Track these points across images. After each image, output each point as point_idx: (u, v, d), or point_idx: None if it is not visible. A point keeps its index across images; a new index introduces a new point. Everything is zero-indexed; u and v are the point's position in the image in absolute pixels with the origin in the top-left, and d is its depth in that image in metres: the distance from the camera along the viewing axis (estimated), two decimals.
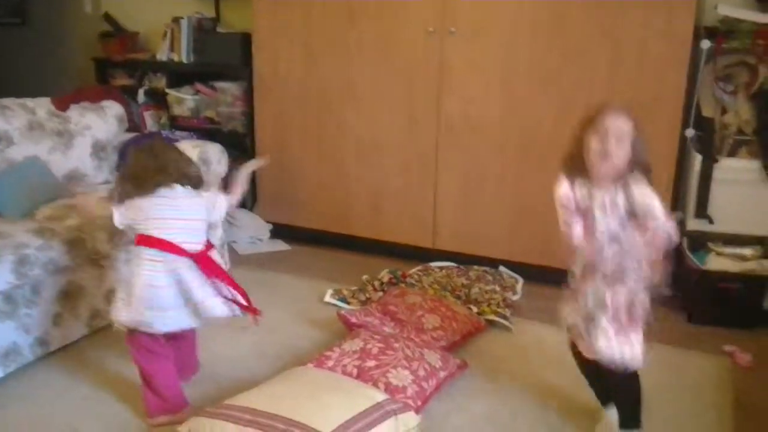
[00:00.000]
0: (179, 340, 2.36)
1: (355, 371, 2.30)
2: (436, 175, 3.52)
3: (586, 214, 2.01)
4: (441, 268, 3.50)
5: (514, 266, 3.45)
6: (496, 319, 2.95)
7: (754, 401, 2.48)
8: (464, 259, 3.53)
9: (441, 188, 3.53)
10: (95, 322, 2.79)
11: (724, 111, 3.09)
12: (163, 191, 2.21)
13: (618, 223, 1.96)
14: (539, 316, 3.05)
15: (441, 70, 3.38)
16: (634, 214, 1.94)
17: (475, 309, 3.01)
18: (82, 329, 2.74)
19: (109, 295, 2.79)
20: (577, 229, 2.05)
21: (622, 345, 1.98)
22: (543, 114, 3.22)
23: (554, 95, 3.18)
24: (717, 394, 2.50)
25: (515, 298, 3.21)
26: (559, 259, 3.20)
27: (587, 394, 2.38)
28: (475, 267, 3.46)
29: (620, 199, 1.94)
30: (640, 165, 1.92)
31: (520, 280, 3.38)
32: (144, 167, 2.22)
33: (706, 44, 2.97)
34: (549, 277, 3.28)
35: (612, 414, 2.15)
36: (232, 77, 4.08)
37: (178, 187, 2.23)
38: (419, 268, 3.49)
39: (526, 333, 2.92)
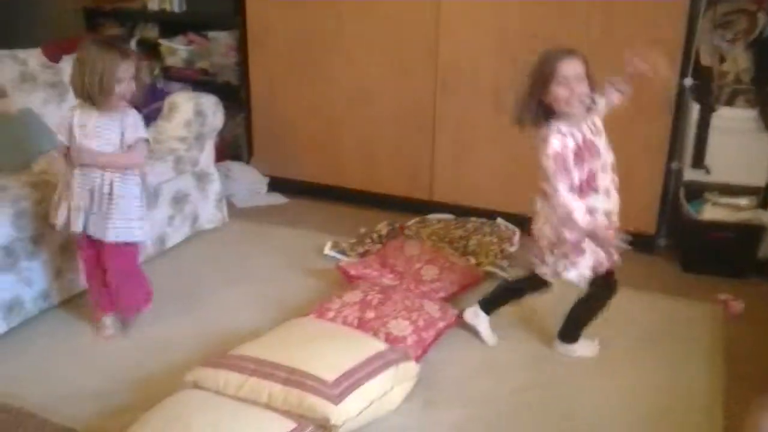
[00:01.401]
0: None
1: (356, 322, 2.34)
2: (433, 124, 3.50)
3: (584, 148, 2.14)
4: (438, 220, 3.51)
5: (512, 218, 3.46)
6: (494, 270, 2.98)
7: (744, 347, 2.53)
8: (462, 211, 3.54)
9: (437, 138, 3.51)
10: None
11: (722, 60, 3.07)
12: None
13: (604, 140, 2.19)
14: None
15: (436, 22, 3.33)
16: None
17: (473, 260, 3.03)
18: (84, 282, 2.75)
19: None
20: (565, 191, 2.13)
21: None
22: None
23: (548, 42, 3.12)
24: (709, 340, 2.55)
25: (512, 249, 3.23)
26: None
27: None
28: (473, 219, 3.47)
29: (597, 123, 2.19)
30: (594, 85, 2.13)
31: (518, 231, 3.39)
32: None
33: None
34: None
35: None
36: (224, 27, 4.01)
37: None
38: (417, 220, 3.50)
39: None
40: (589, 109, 2.14)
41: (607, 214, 2.20)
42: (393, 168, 3.66)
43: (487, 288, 2.88)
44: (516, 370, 2.37)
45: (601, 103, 2.20)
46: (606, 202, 2.19)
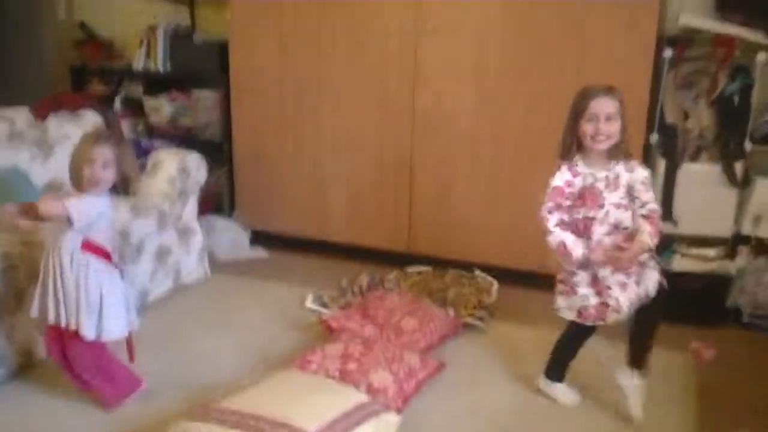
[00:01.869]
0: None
1: (337, 373, 2.38)
2: (411, 173, 3.59)
3: (588, 194, 2.25)
4: (418, 272, 3.58)
5: (489, 269, 3.55)
6: (472, 321, 3.05)
7: (717, 393, 2.61)
8: (440, 262, 3.62)
9: (415, 187, 3.60)
10: None
11: (686, 117, 3.22)
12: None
13: (620, 197, 2.26)
14: (514, 317, 3.16)
15: (415, 65, 3.45)
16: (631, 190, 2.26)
17: (452, 311, 3.10)
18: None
19: None
20: (554, 223, 2.28)
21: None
22: (515, 108, 3.32)
23: (523, 91, 3.29)
24: (682, 387, 2.63)
25: (490, 300, 3.30)
26: (532, 261, 3.35)
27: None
28: (451, 270, 3.55)
29: (622, 175, 2.26)
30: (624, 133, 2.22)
31: (495, 283, 3.47)
32: None
33: (668, 53, 3.09)
34: (524, 279, 3.40)
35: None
36: (209, 85, 4.12)
37: None
38: (396, 272, 3.57)
39: (502, 333, 3.02)
40: (615, 154, 2.23)
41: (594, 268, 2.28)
42: (373, 220, 3.74)
43: (467, 339, 2.96)
44: (501, 415, 2.42)
45: (639, 168, 2.28)
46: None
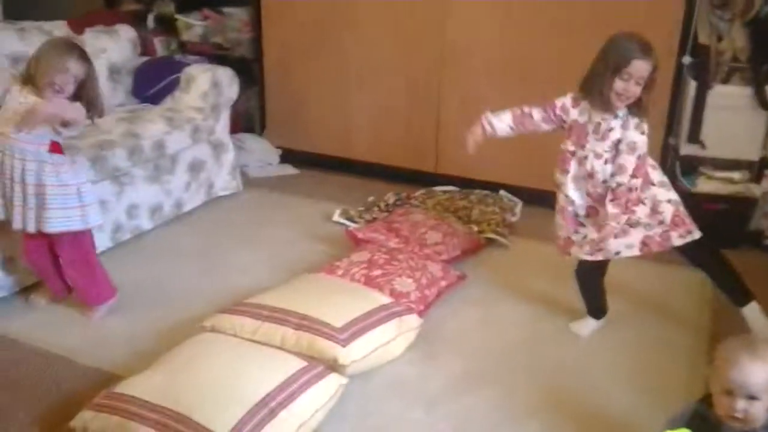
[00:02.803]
0: None
1: (362, 279, 2.49)
2: (438, 98, 3.62)
3: (576, 128, 2.25)
4: (444, 191, 3.65)
5: (514, 190, 3.60)
6: (495, 237, 3.13)
7: (731, 313, 2.66)
8: (466, 183, 3.68)
9: (443, 111, 3.64)
10: (118, 235, 2.97)
11: (719, 39, 3.17)
12: None
13: (604, 149, 2.20)
14: (536, 234, 3.21)
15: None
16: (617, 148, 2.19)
17: (475, 228, 3.17)
18: (107, 242, 2.91)
19: (130, 210, 2.97)
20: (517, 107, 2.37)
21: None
22: (541, 38, 3.32)
23: (551, 16, 3.27)
24: (698, 304, 2.69)
25: (514, 219, 3.37)
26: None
27: (573, 303, 2.58)
28: (477, 191, 3.60)
29: (615, 129, 2.18)
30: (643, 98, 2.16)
31: (519, 203, 3.53)
32: None
33: None
34: (547, 200, 3.44)
35: None
36: (239, 3, 4.13)
37: None
38: (423, 191, 3.64)
39: (523, 250, 3.10)
40: (631, 108, 2.17)
41: (579, 206, 2.29)
42: (400, 141, 3.79)
43: (489, 255, 3.04)
44: (513, 327, 2.52)
45: (633, 131, 2.19)
46: (576, 195, 2.29)
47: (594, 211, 2.27)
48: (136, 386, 1.84)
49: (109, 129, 2.97)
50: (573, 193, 2.28)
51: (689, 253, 2.37)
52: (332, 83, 3.86)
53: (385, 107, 3.77)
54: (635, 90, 2.11)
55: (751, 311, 2.39)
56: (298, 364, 1.94)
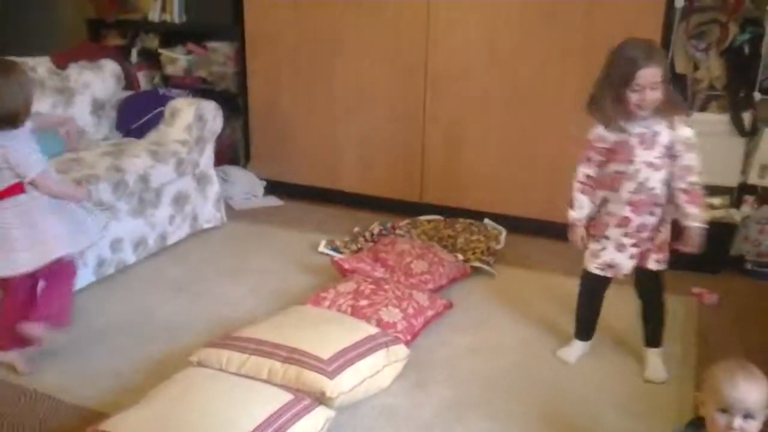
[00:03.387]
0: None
1: (349, 309, 2.48)
2: (423, 127, 3.66)
3: (620, 148, 2.20)
4: (429, 220, 3.66)
5: (498, 218, 3.62)
6: (480, 265, 3.14)
7: (717, 337, 2.69)
8: (451, 212, 3.70)
9: (428, 141, 3.67)
10: (102, 269, 2.95)
11: (696, 67, 3.24)
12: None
13: (655, 156, 2.18)
14: (521, 262, 3.25)
15: (427, 24, 3.49)
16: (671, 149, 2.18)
17: (461, 257, 3.18)
18: (90, 276, 2.89)
19: (114, 244, 2.96)
20: (578, 178, 2.29)
21: None
22: (526, 65, 3.37)
23: (535, 49, 3.33)
24: (684, 330, 2.71)
25: (498, 247, 3.39)
26: (540, 210, 3.43)
27: (561, 329, 2.59)
28: (461, 219, 3.62)
29: (662, 133, 2.17)
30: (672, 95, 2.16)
31: (503, 231, 3.55)
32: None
33: (680, 2, 3.10)
34: (531, 228, 3.48)
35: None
36: (223, 37, 4.17)
37: None
38: (408, 221, 3.65)
39: (508, 278, 3.11)
40: (658, 112, 2.14)
41: (613, 215, 2.26)
42: (385, 171, 3.82)
43: (475, 283, 3.05)
44: (502, 354, 2.52)
45: (682, 133, 2.18)
46: (617, 208, 2.25)
47: (626, 222, 2.25)
48: (123, 424, 1.82)
49: (94, 163, 2.96)
50: (612, 207, 2.26)
51: (645, 281, 2.36)
52: (317, 114, 3.89)
53: (371, 137, 3.80)
54: (654, 96, 2.08)
55: (656, 355, 2.41)
56: (286, 397, 1.92)
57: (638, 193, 2.21)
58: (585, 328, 2.50)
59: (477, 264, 3.14)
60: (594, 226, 2.32)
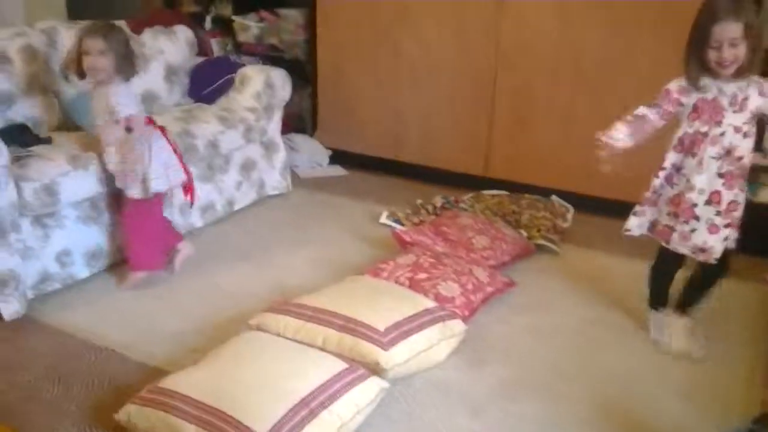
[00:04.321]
0: None
1: (407, 282, 2.47)
2: (492, 99, 3.59)
3: (706, 106, 2.09)
4: (493, 195, 3.61)
5: (566, 195, 3.53)
6: (545, 243, 3.07)
7: None
8: (516, 188, 3.63)
9: (495, 113, 3.60)
10: None
11: None
12: None
13: (743, 121, 2.07)
14: (588, 242, 3.16)
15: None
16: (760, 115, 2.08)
17: (525, 233, 3.13)
18: None
19: (184, 208, 3.03)
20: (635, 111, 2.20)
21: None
22: (596, 38, 3.25)
23: (607, 19, 3.20)
24: (755, 319, 2.59)
25: (565, 225, 3.31)
26: (609, 188, 3.32)
27: (625, 312, 2.52)
28: (527, 195, 3.55)
29: (752, 98, 2.06)
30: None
31: (571, 209, 3.46)
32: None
33: None
34: (600, 208, 3.38)
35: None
36: (295, 4, 4.18)
37: None
38: (472, 194, 3.61)
39: (574, 258, 3.04)
40: (744, 74, 2.03)
41: (700, 191, 2.14)
42: (451, 144, 3.77)
43: (538, 261, 2.99)
44: (561, 335, 2.47)
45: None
46: (702, 179, 2.13)
47: (717, 197, 2.13)
48: (180, 382, 1.87)
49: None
50: (699, 179, 2.12)
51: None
52: (384, 84, 3.86)
53: (437, 109, 3.75)
54: (734, 54, 1.97)
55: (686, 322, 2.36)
56: (340, 365, 1.94)
57: (723, 160, 2.09)
58: (658, 298, 2.42)
59: (541, 242, 3.07)
60: (677, 203, 2.19)
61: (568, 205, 3.50)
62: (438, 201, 3.48)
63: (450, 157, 3.80)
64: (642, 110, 2.19)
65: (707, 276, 2.33)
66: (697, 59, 2.05)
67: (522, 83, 3.49)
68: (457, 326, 2.29)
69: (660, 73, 2.25)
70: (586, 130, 3.33)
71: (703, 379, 2.23)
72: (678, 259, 2.32)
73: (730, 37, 1.96)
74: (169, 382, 1.88)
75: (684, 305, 2.39)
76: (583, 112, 3.37)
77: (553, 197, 3.55)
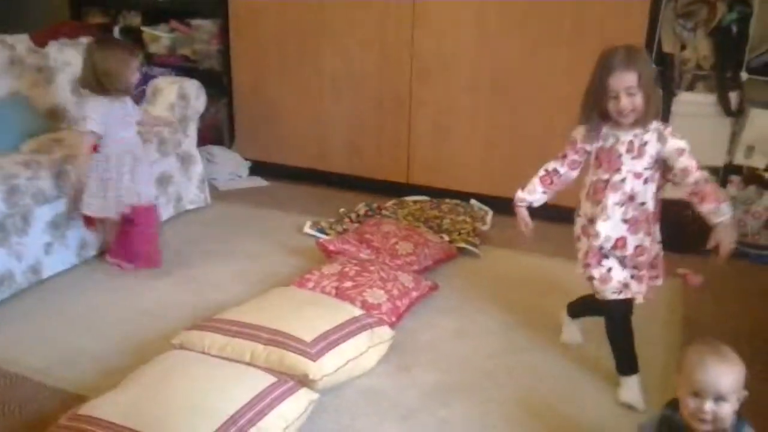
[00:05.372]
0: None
1: (333, 291, 2.46)
2: (410, 111, 3.63)
3: (605, 155, 2.10)
4: (415, 201, 3.65)
5: (485, 199, 3.61)
6: (466, 246, 3.13)
7: (701, 317, 2.70)
8: (437, 193, 3.68)
9: (414, 124, 3.65)
10: (83, 251, 2.91)
11: (683, 47, 3.22)
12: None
13: (644, 167, 2.08)
14: (507, 244, 3.23)
15: (413, 7, 3.46)
16: (661, 161, 2.08)
17: (446, 238, 3.17)
18: (72, 259, 2.85)
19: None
20: (545, 167, 2.23)
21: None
22: (512, 50, 3.34)
23: (524, 33, 3.30)
24: (668, 311, 2.71)
25: (485, 228, 3.38)
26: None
27: (547, 311, 2.58)
28: (447, 200, 3.61)
29: (651, 143, 2.07)
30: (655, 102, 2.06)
31: (490, 212, 3.54)
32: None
33: None
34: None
35: None
36: (207, 14, 4.10)
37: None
38: (394, 201, 3.63)
39: (494, 259, 3.11)
40: (643, 122, 2.05)
41: (606, 239, 2.12)
42: (373, 152, 3.79)
43: (461, 264, 3.04)
44: (488, 337, 2.51)
45: (672, 145, 2.08)
46: (606, 226, 2.11)
47: (622, 243, 2.12)
48: (102, 407, 1.80)
49: (74, 142, 2.91)
50: (602, 225, 2.11)
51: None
52: (304, 96, 3.85)
53: (358, 119, 3.77)
54: (632, 102, 1.99)
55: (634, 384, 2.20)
56: (268, 380, 1.91)
57: (627, 207, 2.10)
58: (628, 361, 2.24)
59: (463, 245, 3.13)
60: (586, 255, 2.17)
61: (487, 208, 3.58)
62: (361, 209, 3.48)
63: (373, 166, 3.81)
64: (552, 165, 2.22)
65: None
66: (598, 110, 2.06)
67: (441, 94, 3.55)
68: (385, 333, 2.30)
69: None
70: (505, 136, 3.46)
71: None
72: (625, 311, 2.23)
73: (625, 86, 1.98)
74: (89, 408, 1.80)
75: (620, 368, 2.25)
76: (501, 119, 3.46)
77: (473, 201, 3.62)
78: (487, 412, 2.11)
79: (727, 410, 1.53)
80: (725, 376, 1.52)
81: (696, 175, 2.07)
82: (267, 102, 3.95)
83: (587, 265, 2.16)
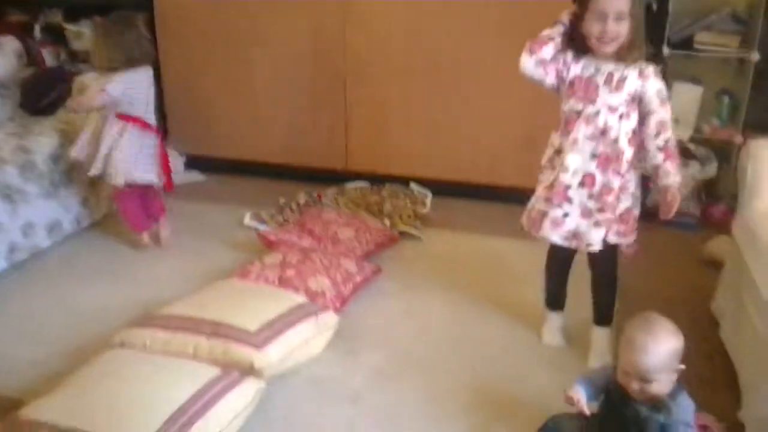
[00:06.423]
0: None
1: (276, 281, 2.45)
2: (345, 97, 3.61)
3: (582, 84, 2.00)
4: (355, 188, 3.65)
5: (424, 182, 3.64)
6: (407, 229, 3.15)
7: (637, 287, 2.76)
8: (377, 179, 3.69)
9: (351, 110, 3.64)
10: (14, 255, 2.82)
11: None
12: None
13: (619, 102, 1.98)
14: (447, 225, 3.27)
15: (344, 3, 3.45)
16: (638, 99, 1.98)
17: (388, 222, 3.19)
18: (2, 263, 2.76)
19: (26, 228, 2.83)
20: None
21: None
22: (445, 34, 3.36)
23: (454, 15, 3.32)
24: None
25: (425, 210, 3.41)
26: (465, 173, 3.45)
27: (489, 290, 2.62)
28: (387, 185, 3.62)
29: (631, 79, 1.96)
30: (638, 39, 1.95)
31: (429, 195, 3.57)
32: None
33: None
34: (456, 191, 3.52)
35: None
36: (132, 9, 3.98)
37: None
38: (334, 189, 3.62)
39: (436, 241, 3.14)
40: (624, 56, 1.94)
41: (574, 173, 2.04)
42: (309, 141, 3.76)
43: (403, 247, 3.06)
44: (433, 317, 2.54)
45: (654, 85, 1.97)
46: (576, 159, 2.03)
47: (590, 180, 2.03)
48: (42, 410, 1.75)
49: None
50: (572, 158, 2.02)
51: (599, 251, 2.14)
52: (237, 88, 3.77)
53: (293, 108, 3.73)
54: (618, 28, 1.87)
55: (603, 337, 2.29)
56: (212, 372, 1.89)
57: (598, 141, 2.00)
58: (553, 299, 2.35)
59: (404, 228, 3.15)
60: (552, 187, 2.09)
61: (426, 191, 3.60)
62: (301, 198, 3.47)
63: (310, 154, 3.78)
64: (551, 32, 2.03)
65: (601, 274, 2.26)
66: (576, 32, 1.96)
67: (376, 84, 3.53)
68: (330, 319, 2.30)
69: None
70: (441, 119, 3.49)
71: (571, 350, 2.35)
72: (565, 256, 2.25)
73: (617, 10, 1.86)
74: (29, 412, 1.75)
75: (598, 317, 2.30)
76: (436, 104, 3.47)
77: (412, 185, 3.64)
78: (435, 391, 2.14)
79: (657, 388, 1.58)
80: (651, 360, 1.55)
81: (669, 133, 2.00)
82: (200, 96, 3.87)
83: (547, 200, 2.08)
